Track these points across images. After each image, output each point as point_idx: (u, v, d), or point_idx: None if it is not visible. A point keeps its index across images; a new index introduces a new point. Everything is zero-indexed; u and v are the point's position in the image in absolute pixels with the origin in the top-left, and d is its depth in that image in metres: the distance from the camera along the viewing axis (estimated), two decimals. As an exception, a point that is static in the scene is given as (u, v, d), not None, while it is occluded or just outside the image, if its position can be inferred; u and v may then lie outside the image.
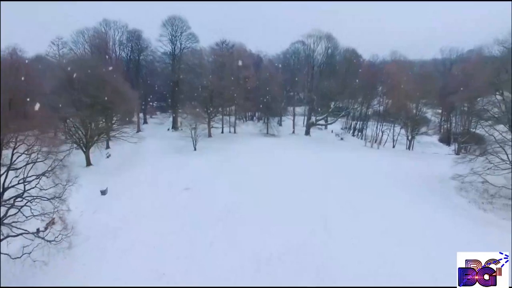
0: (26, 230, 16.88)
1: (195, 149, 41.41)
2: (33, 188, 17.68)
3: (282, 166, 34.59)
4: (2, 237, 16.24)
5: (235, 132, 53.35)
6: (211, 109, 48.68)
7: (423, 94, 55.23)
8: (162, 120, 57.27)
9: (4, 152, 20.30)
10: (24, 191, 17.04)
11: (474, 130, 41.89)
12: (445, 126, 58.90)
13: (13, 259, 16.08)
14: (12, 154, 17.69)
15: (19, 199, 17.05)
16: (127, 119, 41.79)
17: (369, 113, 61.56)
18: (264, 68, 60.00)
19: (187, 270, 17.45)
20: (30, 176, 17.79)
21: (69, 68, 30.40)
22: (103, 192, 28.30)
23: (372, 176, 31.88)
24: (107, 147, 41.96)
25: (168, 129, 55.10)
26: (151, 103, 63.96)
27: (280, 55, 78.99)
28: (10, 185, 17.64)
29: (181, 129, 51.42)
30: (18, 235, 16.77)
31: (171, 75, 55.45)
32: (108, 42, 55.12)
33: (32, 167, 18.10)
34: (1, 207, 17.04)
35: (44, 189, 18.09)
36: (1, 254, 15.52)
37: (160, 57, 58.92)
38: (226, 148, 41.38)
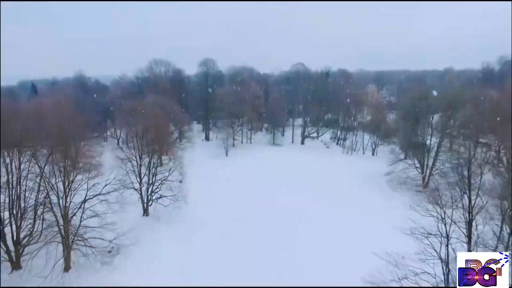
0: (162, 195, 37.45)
1: (226, 155, 61.82)
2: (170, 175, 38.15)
3: (285, 164, 55.49)
4: (153, 198, 37.00)
5: (251, 142, 73.82)
6: (235, 126, 69.43)
7: (390, 110, 76.05)
8: (197, 134, 78.10)
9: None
10: (168, 175, 37.61)
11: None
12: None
13: (165, 206, 36.61)
14: (160, 158, 38.15)
15: (164, 181, 37.56)
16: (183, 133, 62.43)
17: (350, 125, 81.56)
18: (271, 92, 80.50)
19: (241, 218, 35.50)
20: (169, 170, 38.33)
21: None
22: (181, 181, 48.63)
23: (338, 171, 52.42)
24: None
25: (202, 140, 75.53)
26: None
27: (283, 75, 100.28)
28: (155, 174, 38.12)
29: (211, 140, 72.23)
30: (160, 197, 37.33)
31: (204, 101, 76.49)
32: (157, 76, 76.08)
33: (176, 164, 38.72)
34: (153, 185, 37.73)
35: (171, 175, 38.55)
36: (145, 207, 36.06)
37: (194, 86, 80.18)
38: (248, 153, 62.01)
